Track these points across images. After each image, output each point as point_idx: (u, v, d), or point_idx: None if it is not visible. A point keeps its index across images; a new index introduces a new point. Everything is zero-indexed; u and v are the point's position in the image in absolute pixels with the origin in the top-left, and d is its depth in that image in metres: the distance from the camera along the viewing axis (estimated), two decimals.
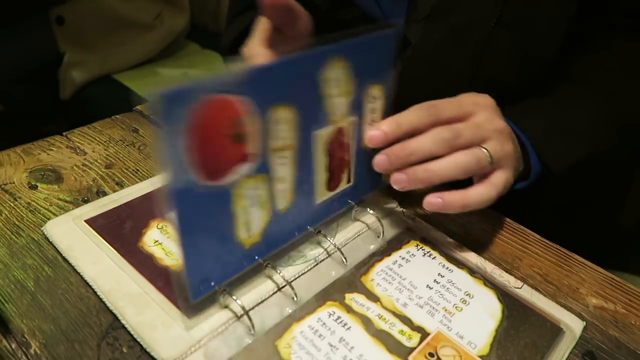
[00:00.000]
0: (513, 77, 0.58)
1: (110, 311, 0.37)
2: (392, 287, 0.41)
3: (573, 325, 0.40)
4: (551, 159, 0.50)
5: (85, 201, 0.47)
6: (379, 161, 0.42)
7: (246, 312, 0.36)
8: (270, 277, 0.41)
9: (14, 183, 0.49)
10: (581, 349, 0.39)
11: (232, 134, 0.33)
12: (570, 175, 0.51)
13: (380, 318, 0.39)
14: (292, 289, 0.39)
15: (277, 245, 0.41)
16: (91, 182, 0.50)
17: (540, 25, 0.56)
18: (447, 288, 0.42)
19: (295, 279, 0.41)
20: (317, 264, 0.43)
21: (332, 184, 0.43)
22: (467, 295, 0.42)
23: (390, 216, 0.49)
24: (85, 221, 0.44)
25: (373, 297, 0.40)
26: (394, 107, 0.62)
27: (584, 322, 0.41)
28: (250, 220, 0.37)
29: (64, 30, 1.26)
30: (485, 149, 0.42)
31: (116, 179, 0.51)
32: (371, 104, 0.44)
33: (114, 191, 0.49)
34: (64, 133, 0.57)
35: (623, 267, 0.62)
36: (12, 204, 0.46)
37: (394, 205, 0.50)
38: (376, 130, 0.41)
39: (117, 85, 1.28)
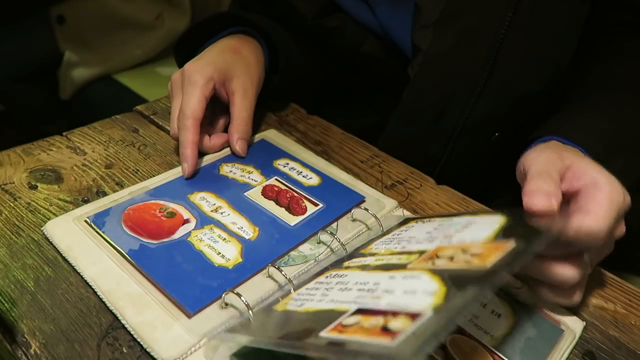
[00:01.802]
0: (529, 82, 0.57)
1: (110, 311, 0.37)
2: (391, 245, 0.40)
3: (573, 325, 0.40)
4: (618, 175, 0.45)
5: (85, 201, 0.47)
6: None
7: (250, 309, 0.36)
8: (271, 277, 0.41)
9: (14, 183, 0.49)
10: (581, 349, 0.39)
11: (164, 213, 0.46)
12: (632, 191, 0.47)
13: (377, 260, 0.38)
14: (293, 287, 0.39)
15: (267, 259, 0.43)
16: (91, 182, 0.50)
17: (555, 26, 0.54)
18: (448, 225, 0.40)
19: (292, 280, 0.41)
20: (317, 264, 0.43)
21: (296, 211, 0.48)
22: (468, 223, 0.39)
23: (390, 216, 0.49)
24: (85, 221, 0.44)
25: (371, 255, 0.40)
26: (406, 113, 0.62)
27: (584, 322, 0.41)
28: (222, 250, 0.43)
29: (65, 30, 1.26)
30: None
31: (116, 179, 0.51)
32: (286, 167, 0.54)
33: (114, 191, 0.49)
34: (64, 133, 0.57)
35: (623, 267, 0.62)
36: (12, 204, 0.46)
37: (393, 205, 0.50)
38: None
39: (117, 85, 1.28)
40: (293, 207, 0.48)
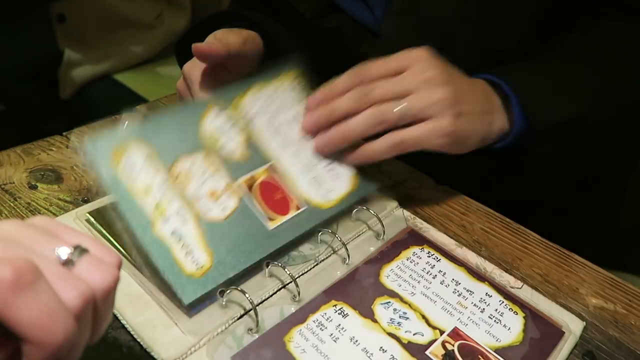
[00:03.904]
0: (479, 71, 0.59)
1: None
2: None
3: (573, 325, 0.40)
4: (535, 114, 0.49)
5: (85, 201, 0.47)
6: (307, 122, 0.47)
7: (254, 307, 0.36)
8: (272, 276, 0.41)
9: (14, 183, 0.49)
10: (581, 349, 0.39)
11: None
12: (553, 136, 0.51)
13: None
14: (297, 286, 0.39)
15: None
16: (91, 182, 0.50)
17: (502, 19, 0.57)
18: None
19: (296, 278, 0.41)
20: (317, 264, 0.43)
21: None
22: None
23: (390, 216, 0.49)
24: (86, 220, 0.44)
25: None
26: None
27: (584, 322, 0.41)
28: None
29: (65, 28, 1.26)
30: (402, 102, 0.44)
31: None
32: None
33: None
34: (64, 133, 0.57)
35: (623, 267, 0.62)
36: (12, 204, 0.46)
37: (394, 205, 0.50)
38: (313, 100, 0.47)
39: (117, 85, 1.28)
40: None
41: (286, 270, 0.39)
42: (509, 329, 0.39)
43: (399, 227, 0.48)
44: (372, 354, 0.36)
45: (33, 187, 0.48)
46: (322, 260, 0.43)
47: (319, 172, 0.47)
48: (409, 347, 0.37)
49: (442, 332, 0.38)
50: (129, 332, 0.36)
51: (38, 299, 0.22)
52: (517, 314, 0.41)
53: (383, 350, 0.36)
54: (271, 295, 0.40)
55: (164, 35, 1.33)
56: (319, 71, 0.71)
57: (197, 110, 0.45)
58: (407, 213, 0.50)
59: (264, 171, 0.45)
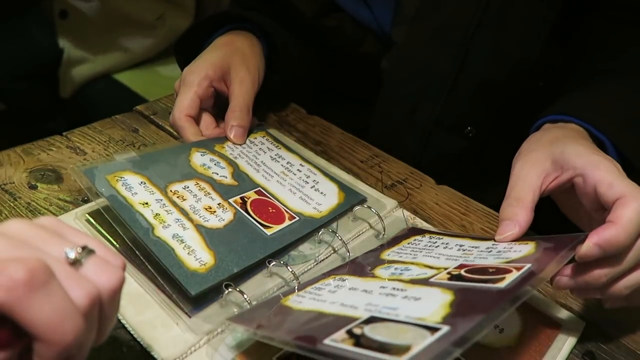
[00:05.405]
0: (497, 77, 0.60)
1: None
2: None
3: (573, 325, 0.40)
4: (631, 152, 0.47)
5: (85, 201, 0.47)
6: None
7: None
8: (272, 275, 0.41)
9: (14, 183, 0.49)
10: (581, 349, 0.39)
11: None
12: None
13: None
14: (298, 285, 0.39)
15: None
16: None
17: (521, 26, 0.57)
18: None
19: (298, 277, 0.41)
20: (317, 264, 0.43)
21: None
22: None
23: (390, 216, 0.49)
24: (86, 220, 0.44)
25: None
26: (383, 107, 0.63)
27: (584, 322, 0.41)
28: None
29: (66, 25, 1.25)
30: None
31: None
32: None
33: None
34: (64, 133, 0.57)
35: None
36: (12, 204, 0.46)
37: (393, 205, 0.50)
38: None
39: (117, 84, 1.28)
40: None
41: (289, 268, 0.39)
42: (520, 251, 0.38)
43: (399, 227, 0.48)
44: (372, 291, 0.35)
45: (33, 187, 0.48)
46: (322, 260, 0.43)
47: (306, 191, 0.50)
48: (413, 281, 0.36)
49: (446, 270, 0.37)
50: (129, 332, 0.36)
51: (50, 298, 0.22)
52: (527, 244, 0.39)
53: (383, 287, 0.35)
54: (274, 293, 0.40)
55: (166, 35, 1.33)
56: (319, 70, 0.72)
57: (183, 150, 0.50)
58: (407, 213, 0.50)
59: (253, 193, 0.48)
